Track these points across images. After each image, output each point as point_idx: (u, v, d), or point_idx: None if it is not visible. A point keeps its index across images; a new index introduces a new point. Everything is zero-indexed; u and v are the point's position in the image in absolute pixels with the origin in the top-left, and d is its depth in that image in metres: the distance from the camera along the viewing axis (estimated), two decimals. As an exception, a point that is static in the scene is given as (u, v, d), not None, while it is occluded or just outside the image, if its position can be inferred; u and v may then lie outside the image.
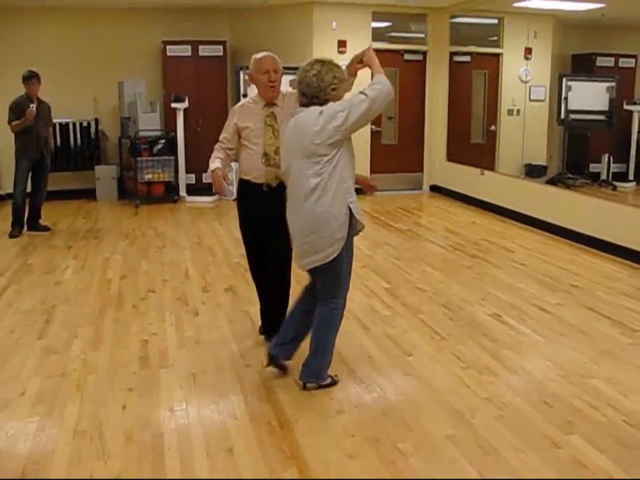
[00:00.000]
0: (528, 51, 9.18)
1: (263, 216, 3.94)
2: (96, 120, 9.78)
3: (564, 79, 8.91)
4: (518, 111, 9.39)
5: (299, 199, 3.45)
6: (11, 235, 7.34)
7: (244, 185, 4.06)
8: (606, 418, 3.29)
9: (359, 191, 3.58)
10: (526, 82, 9.26)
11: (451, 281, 5.65)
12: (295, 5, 9.41)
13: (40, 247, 6.93)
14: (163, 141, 9.44)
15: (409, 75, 10.05)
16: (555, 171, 9.01)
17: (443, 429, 3.19)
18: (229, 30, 10.29)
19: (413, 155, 10.38)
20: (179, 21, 9.86)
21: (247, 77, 3.88)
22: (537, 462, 2.90)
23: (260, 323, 4.34)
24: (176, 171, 9.52)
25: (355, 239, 3.57)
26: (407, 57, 10.03)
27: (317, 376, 3.62)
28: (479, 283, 5.63)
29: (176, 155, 9.49)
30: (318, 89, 3.40)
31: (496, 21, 9.66)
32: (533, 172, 9.07)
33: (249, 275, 4.33)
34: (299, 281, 4.10)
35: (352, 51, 5.21)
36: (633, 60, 8.95)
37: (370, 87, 3.37)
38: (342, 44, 9.40)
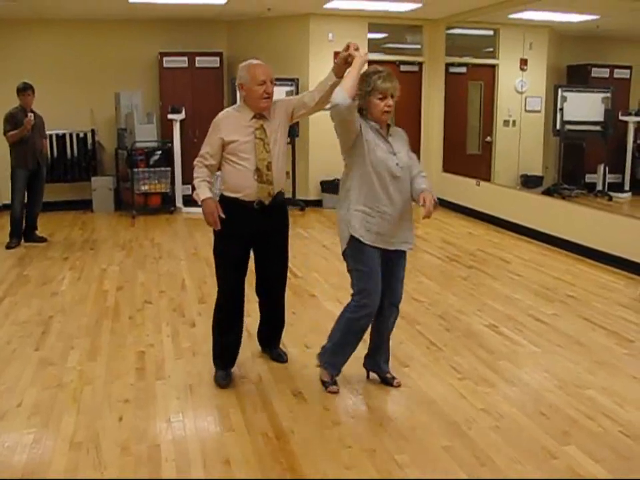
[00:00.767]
0: (523, 62, 9.21)
1: (257, 233, 3.69)
2: (92, 131, 9.79)
3: (559, 90, 8.93)
4: (514, 122, 9.42)
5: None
6: (8, 246, 7.33)
7: (229, 203, 3.63)
8: (602, 428, 3.29)
9: None
10: (522, 93, 9.29)
11: (447, 292, 5.66)
12: (291, 16, 9.46)
13: (36, 258, 6.92)
14: (159, 152, 9.46)
15: (404, 86, 9.76)
16: (550, 181, 9.02)
17: (439, 439, 3.19)
18: (226, 41, 10.33)
19: (409, 165, 10.36)
20: (176, 33, 9.89)
21: (237, 86, 3.76)
22: (533, 472, 2.90)
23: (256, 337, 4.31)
24: (172, 182, 9.52)
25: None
26: (402, 68, 10.07)
27: (321, 355, 3.76)
28: (475, 293, 5.63)
29: (172, 166, 9.50)
30: None
31: (491, 32, 9.72)
32: (528, 182, 9.09)
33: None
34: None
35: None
36: (628, 71, 8.97)
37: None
38: (338, 55, 9.38)
